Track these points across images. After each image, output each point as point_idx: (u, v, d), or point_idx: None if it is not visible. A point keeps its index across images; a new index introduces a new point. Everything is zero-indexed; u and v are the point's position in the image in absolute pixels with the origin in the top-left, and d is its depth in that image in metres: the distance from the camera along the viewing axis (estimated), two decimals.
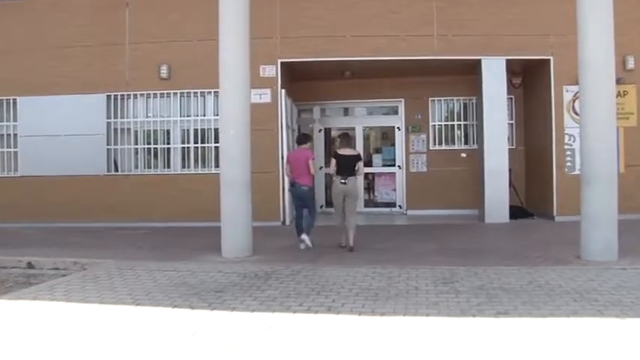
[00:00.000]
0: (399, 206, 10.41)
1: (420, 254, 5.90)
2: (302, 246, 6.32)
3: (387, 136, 10.89)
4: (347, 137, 6.64)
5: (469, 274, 4.72)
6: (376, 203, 10.59)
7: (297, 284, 4.49)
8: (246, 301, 4.03)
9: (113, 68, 8.81)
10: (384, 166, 10.52)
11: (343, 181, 6.21)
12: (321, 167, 7.14)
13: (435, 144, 10.18)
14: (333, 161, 6.31)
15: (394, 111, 10.66)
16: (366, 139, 10.97)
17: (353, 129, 10.58)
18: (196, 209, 8.56)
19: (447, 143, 10.19)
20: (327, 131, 10.89)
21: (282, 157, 8.51)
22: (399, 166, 10.39)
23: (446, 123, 10.23)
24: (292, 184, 6.52)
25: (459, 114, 10.22)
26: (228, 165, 5.81)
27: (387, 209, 10.42)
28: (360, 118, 10.83)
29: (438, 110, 10.25)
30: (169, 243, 6.98)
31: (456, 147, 10.12)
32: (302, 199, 6.45)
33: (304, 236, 6.29)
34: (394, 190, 10.47)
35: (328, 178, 10.31)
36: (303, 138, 6.78)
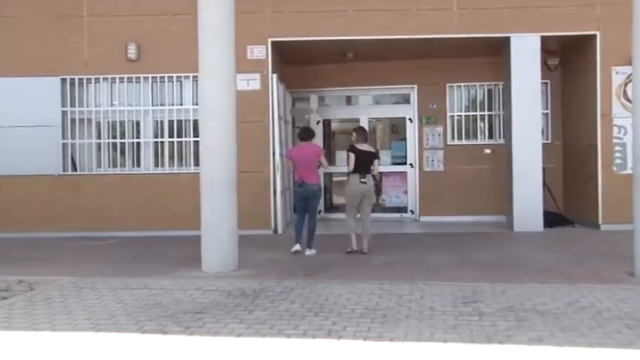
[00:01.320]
0: (411, 211, 10.43)
1: (435, 268, 5.92)
2: (296, 247, 6.80)
3: (396, 129, 10.91)
4: (364, 131, 7.13)
5: (495, 293, 4.72)
6: (384, 208, 10.55)
7: (290, 303, 4.49)
8: (230, 324, 4.03)
9: (69, 46, 8.76)
10: (393, 164, 10.55)
11: (364, 180, 6.69)
12: (319, 165, 7.30)
13: (453, 138, 10.21)
14: (352, 157, 6.75)
15: (405, 99, 10.69)
16: (372, 132, 10.96)
17: (357, 120, 10.58)
18: (172, 215, 8.58)
19: (467, 137, 10.21)
20: (327, 124, 10.93)
21: (274, 154, 8.55)
22: (410, 164, 10.41)
23: (467, 113, 10.26)
24: (300, 184, 6.88)
25: (482, 102, 10.24)
26: (210, 163, 5.82)
27: (397, 215, 10.46)
28: (365, 108, 10.85)
29: (458, 98, 10.27)
30: (139, 255, 6.98)
31: (478, 142, 10.15)
32: (310, 201, 6.86)
33: (307, 252, 6.76)
34: (405, 192, 10.49)
35: (326, 178, 10.38)
36: (307, 133, 7.13)
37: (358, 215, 7.15)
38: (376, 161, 6.86)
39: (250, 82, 8.57)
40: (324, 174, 10.24)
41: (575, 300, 4.48)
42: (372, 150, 7.03)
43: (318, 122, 10.61)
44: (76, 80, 8.95)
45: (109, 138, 9.08)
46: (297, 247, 6.83)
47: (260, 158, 8.57)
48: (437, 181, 10.09)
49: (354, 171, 6.77)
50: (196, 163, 8.37)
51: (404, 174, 10.49)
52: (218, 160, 5.80)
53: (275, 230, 8.63)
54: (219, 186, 5.77)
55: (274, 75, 8.67)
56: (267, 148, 8.61)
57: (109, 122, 9.09)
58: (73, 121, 9.00)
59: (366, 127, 10.39)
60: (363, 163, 6.79)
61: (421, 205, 10.22)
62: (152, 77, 8.95)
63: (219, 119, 5.78)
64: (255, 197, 8.37)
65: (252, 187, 8.35)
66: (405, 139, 10.53)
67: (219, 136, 5.79)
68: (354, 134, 7.09)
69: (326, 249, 7.15)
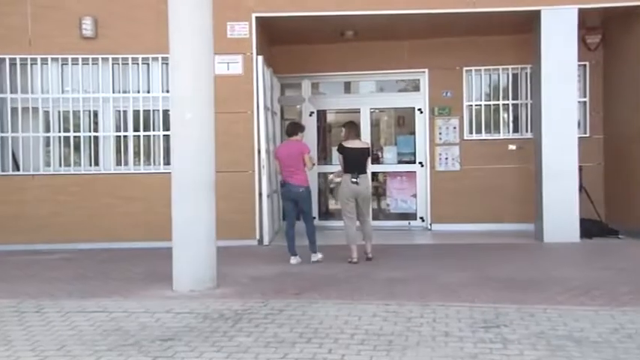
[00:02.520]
0: (421, 219, 10.47)
1: (451, 286, 5.94)
2: (293, 261, 7.18)
3: (403, 121, 10.96)
4: (355, 126, 7.56)
5: (522, 316, 4.73)
6: (389, 214, 10.68)
7: (278, 328, 4.49)
8: (207, 352, 4.02)
9: (8, 20, 8.74)
10: (400, 162, 10.59)
11: (354, 180, 7.13)
12: (313, 164, 7.42)
13: (471, 132, 10.26)
14: (341, 158, 7.24)
15: (414, 86, 10.72)
16: (375, 125, 11.04)
17: (357, 111, 10.66)
18: (137, 224, 8.60)
19: (488, 131, 10.27)
20: (321, 115, 10.97)
21: (259, 151, 8.58)
22: (420, 163, 10.45)
23: (487, 103, 10.31)
24: (283, 185, 7.30)
25: (505, 90, 10.30)
26: (184, 162, 5.82)
27: (405, 223, 10.52)
28: (367, 97, 10.89)
29: (477, 85, 10.33)
30: (98, 272, 6.96)
31: (501, 136, 10.21)
32: (296, 203, 7.25)
33: (313, 257, 7.26)
34: (414, 196, 10.53)
35: (322, 179, 10.40)
36: (294, 128, 7.46)
37: (358, 224, 7.32)
38: (369, 158, 7.35)
39: (231, 66, 8.60)
40: (318, 175, 10.28)
41: (621, 326, 4.47)
42: (364, 146, 7.41)
43: (311, 114, 10.64)
44: (18, 61, 8.92)
45: (59, 131, 9.06)
46: (294, 260, 7.19)
47: (243, 156, 8.60)
48: (451, 182, 10.14)
49: (346, 171, 7.21)
50: (167, 162, 8.44)
51: (412, 174, 10.53)
52: (193, 159, 5.80)
53: (261, 240, 8.65)
54: (194, 189, 5.77)
55: (259, 57, 8.69)
56: (252, 143, 8.63)
57: (59, 112, 9.06)
58: (14, 110, 8.97)
59: (369, 120, 10.57)
60: (354, 162, 7.17)
61: (433, 212, 10.26)
62: (112, 58, 8.95)
63: (194, 110, 5.78)
64: (237, 202, 8.40)
65: (234, 189, 8.38)
66: (413, 133, 10.57)
67: (195, 129, 5.79)
68: (343, 131, 7.43)
69: (321, 262, 7.21)
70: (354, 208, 7.26)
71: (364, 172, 7.29)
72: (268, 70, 9.29)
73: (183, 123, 5.80)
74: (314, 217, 8.00)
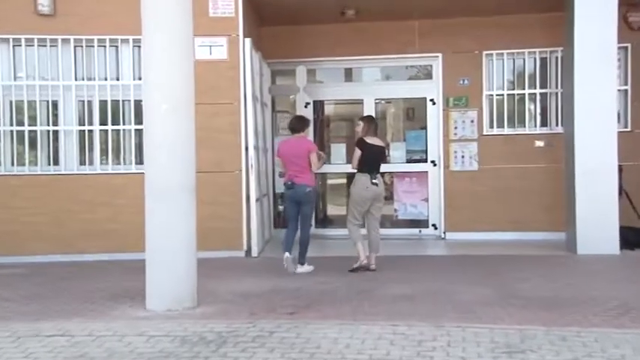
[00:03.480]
0: (433, 226, 10.53)
1: (468, 305, 5.94)
2: (286, 255, 7.43)
3: (413, 113, 11.03)
4: (374, 121, 7.95)
5: (552, 339, 4.73)
6: (397, 222, 10.70)
7: (269, 352, 4.49)
8: None
9: None
10: (409, 161, 10.66)
11: (375, 181, 7.54)
12: (323, 162, 7.72)
13: (492, 126, 10.31)
14: (358, 153, 7.59)
15: (426, 73, 10.77)
16: (381, 118, 11.06)
17: (360, 102, 10.70)
18: (104, 233, 8.62)
19: (511, 125, 10.32)
20: (318, 107, 11.02)
21: (247, 148, 8.61)
22: (433, 162, 10.50)
23: (511, 92, 10.35)
24: (289, 186, 7.60)
25: (532, 77, 10.34)
26: (159, 160, 5.82)
27: (415, 231, 10.59)
28: (371, 86, 10.96)
29: (498, 71, 10.38)
30: (57, 289, 6.95)
31: (526, 130, 10.26)
32: (300, 205, 7.59)
33: (299, 269, 7.49)
34: (425, 200, 10.60)
35: (319, 181, 10.42)
36: (300, 123, 7.75)
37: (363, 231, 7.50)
38: (385, 158, 7.90)
39: (214, 50, 8.63)
40: (315, 175, 10.30)
41: None
42: (382, 144, 7.84)
43: (306, 105, 10.67)
44: None
45: (11, 125, 9.05)
46: (288, 254, 7.46)
47: (228, 154, 8.64)
48: (469, 184, 10.19)
49: (362, 170, 7.57)
50: (139, 161, 8.47)
51: (423, 175, 10.59)
52: (170, 157, 5.80)
53: (249, 252, 8.68)
54: (171, 192, 5.77)
55: (247, 40, 8.73)
56: (238, 139, 8.66)
57: (11, 102, 9.06)
58: None
59: (373, 112, 10.55)
60: (373, 161, 7.58)
61: (447, 218, 10.31)
62: (75, 40, 8.96)
63: (171, 100, 5.78)
64: (221, 207, 8.44)
65: (218, 193, 8.42)
66: (425, 127, 10.63)
67: (172, 123, 5.80)
68: (361, 125, 7.76)
69: (319, 276, 7.22)
70: (364, 213, 7.63)
71: (380, 171, 7.68)
72: (257, 54, 9.31)
73: (159, 115, 5.80)
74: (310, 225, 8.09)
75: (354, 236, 7.63)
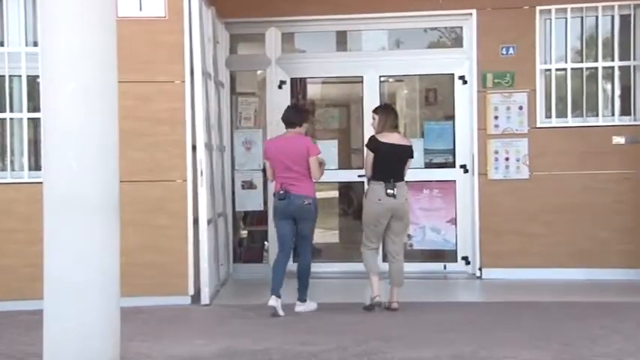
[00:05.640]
0: (465, 260, 10.51)
1: None
2: (272, 302, 7.74)
3: (435, 97, 11.09)
4: (393, 113, 8.36)
5: None
6: (412, 253, 10.58)
7: None
8: None
9: None
10: (429, 166, 10.64)
11: (391, 191, 7.91)
12: (323, 169, 8.02)
13: (549, 115, 10.27)
14: (370, 156, 8.07)
15: (453, 39, 10.81)
16: (391, 102, 11.03)
17: (358, 80, 10.70)
18: None
19: (577, 113, 10.29)
20: (298, 86, 11.03)
21: (194, 147, 8.64)
22: (463, 166, 10.50)
23: (575, 65, 10.30)
24: (282, 196, 7.91)
25: (608, 43, 10.32)
26: (64, 165, 5.73)
27: (438, 266, 10.61)
28: (375, 57, 10.95)
29: (558, 36, 10.32)
30: None
31: (599, 122, 10.20)
32: (297, 222, 7.97)
33: (298, 307, 7.94)
34: (452, 222, 10.56)
35: None
36: (298, 114, 8.22)
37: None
38: (409, 161, 8.28)
39: (145, 4, 8.61)
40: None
41: None
42: (405, 143, 8.31)
43: (281, 84, 10.63)
44: None
45: None
46: (273, 301, 7.70)
47: (167, 155, 8.59)
48: (516, 199, 10.10)
49: (376, 177, 8.02)
50: (36, 166, 8.51)
51: (450, 186, 10.57)
52: (81, 160, 5.68)
53: (197, 297, 8.62)
54: (82, 210, 5.65)
55: None
56: (182, 134, 8.61)
57: None
58: None
59: (377, 92, 10.53)
60: (390, 165, 8.05)
61: (484, 248, 10.20)
62: None
63: (82, 77, 5.68)
64: (156, 233, 8.41)
65: (152, 212, 8.40)
66: (452, 117, 10.62)
67: (83, 110, 5.68)
68: (376, 118, 8.22)
69: (298, 332, 7.18)
70: (381, 234, 8.13)
71: (402, 179, 8.12)
72: (209, 10, 9.31)
73: (64, 99, 5.71)
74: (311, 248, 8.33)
75: (367, 264, 8.07)
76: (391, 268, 8.11)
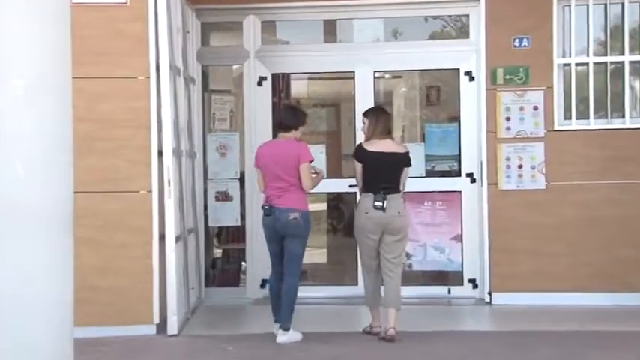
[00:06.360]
0: (472, 282, 10.51)
1: None
2: (280, 337, 7.99)
3: (437, 95, 11.15)
4: (385, 115, 8.54)
5: None
6: (411, 275, 10.61)
7: None
8: None
9: None
10: (431, 175, 10.67)
11: (379, 203, 8.02)
12: (319, 179, 8.25)
13: (568, 117, 10.27)
14: (358, 167, 8.25)
15: (459, 29, 10.83)
16: (385, 103, 11.19)
17: (350, 76, 10.75)
18: None
19: (601, 114, 10.29)
20: (280, 83, 11.12)
21: (161, 153, 8.63)
22: (470, 175, 10.51)
23: (599, 59, 10.31)
24: (267, 212, 8.15)
25: (634, 34, 10.35)
26: (10, 173, 5.61)
27: (441, 290, 10.64)
28: (369, 50, 11.01)
29: (578, 26, 10.31)
30: None
31: (626, 124, 10.19)
32: (287, 241, 8.15)
33: (280, 337, 8.02)
34: (457, 239, 10.58)
35: None
36: (293, 116, 8.41)
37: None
38: (406, 170, 8.37)
39: None
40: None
41: None
42: (399, 150, 8.41)
43: (260, 81, 10.59)
44: None
45: None
46: (276, 330, 8.06)
47: (129, 163, 8.54)
48: (530, 213, 10.07)
49: (366, 189, 8.19)
50: None
51: (454, 198, 10.60)
52: (29, 168, 5.58)
53: (162, 327, 8.56)
54: (31, 225, 5.51)
55: None
56: (146, 138, 8.58)
57: None
58: None
59: (372, 91, 10.56)
60: (381, 175, 8.15)
61: (494, 269, 10.15)
62: None
63: (30, 72, 5.59)
64: (116, 253, 8.36)
65: (112, 228, 8.35)
66: (457, 119, 10.64)
67: (33, 110, 5.58)
68: (365, 123, 8.34)
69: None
70: (374, 250, 8.18)
71: (396, 190, 8.19)
72: None
73: (8, 97, 5.62)
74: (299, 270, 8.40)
75: (366, 294, 8.32)
76: (385, 286, 8.17)
